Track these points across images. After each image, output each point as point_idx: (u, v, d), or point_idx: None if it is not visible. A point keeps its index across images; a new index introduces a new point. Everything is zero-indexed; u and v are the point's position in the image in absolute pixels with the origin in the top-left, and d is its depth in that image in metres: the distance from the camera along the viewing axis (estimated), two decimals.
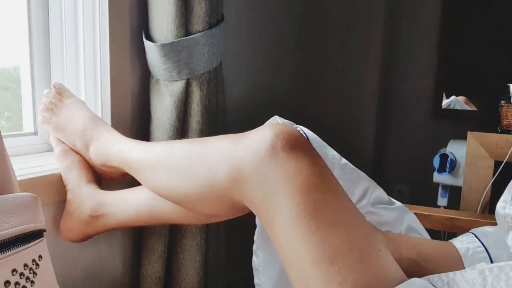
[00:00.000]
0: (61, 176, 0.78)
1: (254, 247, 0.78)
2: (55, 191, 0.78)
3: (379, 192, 0.73)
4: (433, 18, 1.68)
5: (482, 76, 1.69)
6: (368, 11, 1.64)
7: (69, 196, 0.77)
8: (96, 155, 0.77)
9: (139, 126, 0.95)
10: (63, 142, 0.81)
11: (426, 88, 1.71)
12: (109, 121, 0.88)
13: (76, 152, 0.80)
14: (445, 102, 1.76)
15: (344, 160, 0.73)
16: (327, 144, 0.73)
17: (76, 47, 0.88)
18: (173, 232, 0.93)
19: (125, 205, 0.74)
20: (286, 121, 0.73)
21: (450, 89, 1.75)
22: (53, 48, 0.88)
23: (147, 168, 0.68)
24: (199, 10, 0.85)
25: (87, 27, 0.87)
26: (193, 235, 0.92)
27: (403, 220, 0.72)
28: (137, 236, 0.95)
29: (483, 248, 0.64)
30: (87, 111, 0.81)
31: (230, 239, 1.07)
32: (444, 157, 1.25)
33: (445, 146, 1.30)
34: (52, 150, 0.83)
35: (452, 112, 1.70)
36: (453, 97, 1.75)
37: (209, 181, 0.59)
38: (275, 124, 0.65)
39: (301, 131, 0.70)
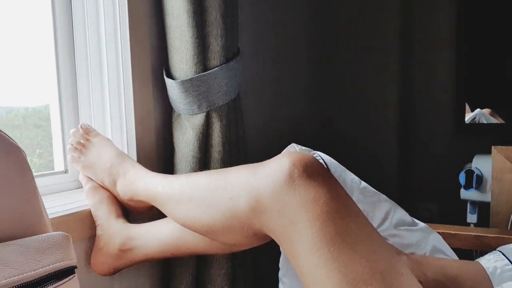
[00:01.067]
0: (90, 212, 0.81)
1: (280, 274, 0.79)
2: (86, 227, 0.81)
3: (401, 214, 0.72)
4: (448, 30, 1.68)
5: (508, 86, 1.66)
6: (383, 28, 1.66)
7: (99, 231, 0.80)
8: (123, 191, 0.81)
9: (163, 160, 0.98)
10: (92, 179, 0.85)
11: (447, 103, 1.70)
12: (135, 157, 0.92)
13: (105, 189, 0.84)
14: (470, 115, 1.73)
15: (363, 184, 0.73)
16: (346, 168, 0.74)
17: (101, 87, 0.93)
18: (200, 262, 0.94)
19: (152, 238, 0.77)
20: (304, 147, 0.75)
21: (474, 102, 1.72)
22: (80, 88, 0.93)
23: (172, 201, 0.70)
24: (216, 46, 0.89)
25: (111, 68, 0.92)
26: (220, 264, 0.93)
27: (428, 241, 0.71)
28: (165, 267, 0.97)
29: (511, 266, 0.63)
30: (113, 149, 0.84)
31: (256, 266, 1.08)
32: (470, 173, 1.23)
33: (471, 161, 1.28)
34: (82, 188, 0.87)
35: (475, 126, 1.67)
36: (477, 110, 1.72)
37: (230, 211, 0.60)
38: (292, 152, 0.66)
39: (318, 157, 0.71)
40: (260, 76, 1.36)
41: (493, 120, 1.68)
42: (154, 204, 0.75)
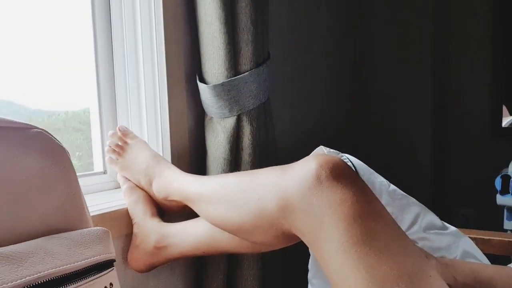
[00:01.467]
0: (128, 211, 0.85)
1: (309, 275, 0.80)
2: (123, 225, 0.85)
3: (430, 217, 0.72)
4: (484, 29, 1.63)
5: None
6: (416, 32, 1.64)
7: (135, 229, 0.84)
8: (158, 190, 0.84)
9: (196, 161, 1.01)
10: (129, 180, 0.89)
11: (483, 107, 1.65)
12: (169, 158, 0.96)
13: (141, 189, 0.87)
14: (508, 119, 1.68)
15: (392, 186, 0.73)
16: (374, 171, 0.74)
17: (138, 92, 0.98)
18: (231, 263, 0.96)
19: (186, 236, 0.80)
20: (332, 150, 0.75)
21: None
22: (118, 93, 0.98)
23: (204, 200, 0.73)
24: (247, 52, 0.91)
25: (147, 74, 0.96)
26: (250, 265, 0.95)
27: (458, 245, 0.70)
28: (198, 266, 1.00)
29: None
30: (149, 151, 0.88)
31: (286, 268, 1.09)
32: (506, 178, 1.20)
33: (507, 166, 1.25)
34: (120, 187, 0.91)
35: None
36: None
37: (259, 211, 0.62)
38: (320, 155, 0.67)
39: (346, 160, 0.72)
40: (289, 79, 1.37)
41: None
42: (187, 203, 0.78)
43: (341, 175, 0.57)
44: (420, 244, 0.68)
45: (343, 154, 0.74)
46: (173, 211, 0.88)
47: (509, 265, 0.66)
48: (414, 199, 0.74)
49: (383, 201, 0.64)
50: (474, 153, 1.67)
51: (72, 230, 0.50)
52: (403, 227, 0.68)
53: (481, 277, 0.63)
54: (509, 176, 1.20)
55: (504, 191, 1.20)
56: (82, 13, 0.94)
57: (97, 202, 0.87)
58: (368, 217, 0.55)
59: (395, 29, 1.68)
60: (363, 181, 0.59)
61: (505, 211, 1.28)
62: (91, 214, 0.79)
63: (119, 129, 0.91)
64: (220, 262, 0.94)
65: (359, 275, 0.52)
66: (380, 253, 0.54)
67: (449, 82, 1.71)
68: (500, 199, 1.24)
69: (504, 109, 1.69)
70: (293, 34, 1.39)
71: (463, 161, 1.70)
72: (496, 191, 1.26)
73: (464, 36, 1.67)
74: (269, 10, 0.99)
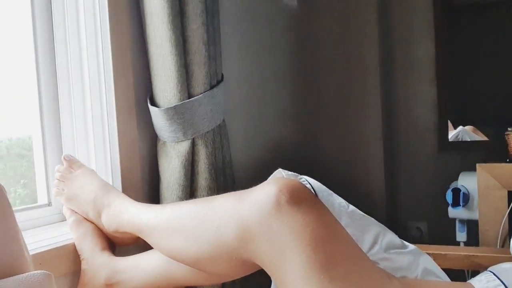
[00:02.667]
0: (75, 246, 0.79)
1: None
2: (70, 261, 0.79)
3: (390, 237, 0.72)
4: (428, 48, 1.71)
5: (489, 103, 1.69)
6: (363, 49, 1.68)
7: (84, 265, 0.78)
8: (108, 223, 0.79)
9: (149, 189, 0.97)
10: (76, 212, 0.83)
11: (430, 122, 1.72)
12: (120, 187, 0.91)
13: (89, 221, 0.82)
14: (453, 133, 1.75)
15: (351, 207, 0.73)
16: (333, 192, 0.74)
17: (84, 117, 0.93)
18: None
19: (139, 271, 0.75)
20: (290, 173, 0.74)
21: (457, 119, 1.75)
22: (63, 120, 0.92)
23: (158, 232, 0.69)
24: (199, 74, 0.89)
25: (94, 99, 0.91)
26: None
27: (418, 263, 0.71)
28: None
29: (503, 287, 0.63)
30: (97, 180, 0.83)
31: None
32: (456, 191, 1.24)
33: (457, 179, 1.29)
34: (66, 220, 0.85)
35: (458, 144, 1.69)
36: (460, 127, 1.74)
37: (218, 242, 0.59)
38: (279, 178, 0.66)
39: (305, 182, 0.71)
40: (245, 101, 1.36)
41: (476, 137, 1.70)
42: (140, 235, 0.73)
43: (301, 199, 0.56)
44: (381, 264, 0.67)
45: (301, 176, 0.73)
46: (125, 244, 0.83)
47: (468, 281, 0.67)
48: (373, 219, 0.74)
49: (343, 223, 0.64)
50: (425, 168, 1.73)
51: (9, 276, 0.45)
52: (364, 248, 0.68)
53: None
54: (459, 189, 1.24)
55: (455, 204, 1.24)
56: (24, 35, 0.89)
57: (41, 238, 0.81)
58: (330, 242, 0.55)
59: (344, 49, 1.72)
60: (323, 204, 0.59)
61: (457, 223, 1.32)
62: (35, 250, 0.73)
63: (65, 158, 0.85)
64: None
65: None
66: (343, 278, 0.53)
67: (396, 99, 1.77)
68: (452, 212, 1.28)
69: (449, 123, 1.76)
70: (247, 55, 1.39)
71: (414, 176, 1.74)
72: (448, 204, 1.30)
73: (408, 52, 1.74)
74: (221, 32, 0.98)
